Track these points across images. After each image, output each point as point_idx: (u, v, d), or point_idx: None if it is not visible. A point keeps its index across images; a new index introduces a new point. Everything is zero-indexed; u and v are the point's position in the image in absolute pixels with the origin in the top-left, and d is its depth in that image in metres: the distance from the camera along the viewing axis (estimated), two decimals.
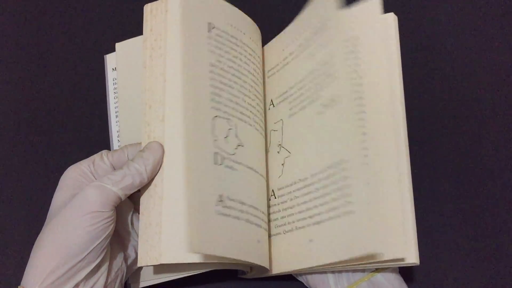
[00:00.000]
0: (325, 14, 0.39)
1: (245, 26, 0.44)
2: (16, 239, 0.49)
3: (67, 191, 0.37)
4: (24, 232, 0.49)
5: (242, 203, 0.38)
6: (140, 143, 0.40)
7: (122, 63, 0.47)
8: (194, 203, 0.34)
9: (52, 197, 0.38)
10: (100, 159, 0.39)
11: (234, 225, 0.37)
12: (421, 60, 0.53)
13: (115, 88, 0.49)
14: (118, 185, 0.36)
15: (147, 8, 0.42)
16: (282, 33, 0.46)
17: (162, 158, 0.38)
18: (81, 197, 0.35)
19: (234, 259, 0.36)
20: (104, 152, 0.40)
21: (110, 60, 0.50)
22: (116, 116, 0.48)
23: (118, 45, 0.47)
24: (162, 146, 0.38)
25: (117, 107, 0.49)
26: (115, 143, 0.48)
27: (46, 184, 0.51)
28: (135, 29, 0.55)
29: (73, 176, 0.38)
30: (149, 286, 0.42)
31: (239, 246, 0.36)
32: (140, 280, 0.42)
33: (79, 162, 0.39)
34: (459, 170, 0.49)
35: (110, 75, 0.50)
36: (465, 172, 0.49)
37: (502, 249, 0.46)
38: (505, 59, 0.53)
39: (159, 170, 0.38)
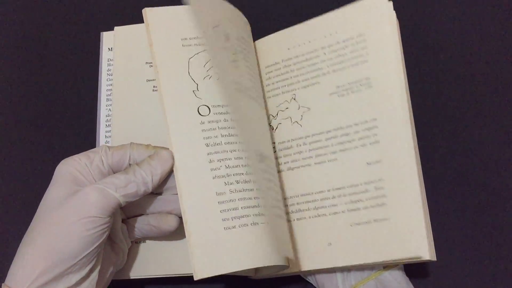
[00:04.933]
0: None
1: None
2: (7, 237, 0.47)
3: (64, 186, 0.34)
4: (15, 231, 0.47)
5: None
6: (144, 145, 0.37)
7: (120, 50, 0.45)
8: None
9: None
10: (100, 158, 0.36)
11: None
12: (421, 60, 0.52)
13: (109, 70, 0.47)
14: (121, 191, 0.34)
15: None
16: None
17: (171, 168, 0.36)
18: (81, 198, 0.33)
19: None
20: (104, 148, 0.37)
21: (107, 38, 0.48)
22: (107, 100, 0.46)
23: (117, 29, 0.45)
24: (172, 156, 0.36)
25: (109, 89, 0.47)
26: (102, 127, 0.46)
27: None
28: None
29: (70, 170, 0.35)
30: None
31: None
32: (131, 275, 0.40)
33: (77, 156, 0.36)
34: (460, 169, 0.49)
35: (105, 55, 0.48)
36: (466, 171, 0.48)
37: (505, 248, 0.46)
38: (506, 59, 0.52)
39: (167, 179, 0.36)
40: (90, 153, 0.36)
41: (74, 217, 0.33)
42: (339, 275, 0.40)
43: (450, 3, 0.55)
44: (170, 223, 0.37)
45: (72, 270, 0.33)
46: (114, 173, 0.36)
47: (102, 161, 0.36)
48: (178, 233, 0.39)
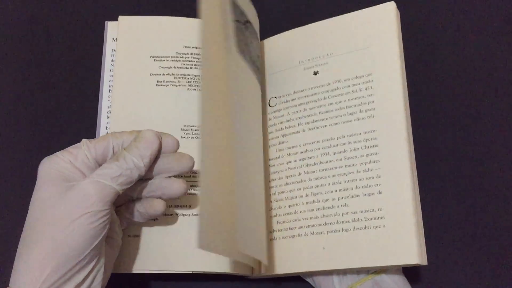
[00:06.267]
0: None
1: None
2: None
3: (53, 184, 0.34)
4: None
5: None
6: (125, 131, 0.37)
7: (123, 41, 0.45)
8: None
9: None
10: (84, 153, 0.36)
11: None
12: (420, 60, 0.52)
13: (112, 61, 0.47)
14: (116, 180, 0.34)
15: None
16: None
17: (159, 149, 0.36)
18: (79, 194, 0.33)
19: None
20: (85, 143, 0.36)
21: (112, 28, 0.48)
22: (110, 91, 0.46)
23: (121, 19, 0.45)
24: (158, 136, 0.36)
25: (111, 80, 0.46)
26: (103, 119, 0.45)
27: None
28: None
29: (56, 168, 0.35)
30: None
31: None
32: (133, 269, 0.40)
33: (59, 153, 0.35)
34: (459, 170, 0.49)
35: (109, 45, 0.47)
36: (465, 171, 0.49)
37: (504, 249, 0.46)
38: (506, 58, 0.52)
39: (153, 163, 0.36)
40: (72, 149, 0.36)
41: (76, 213, 0.32)
42: (335, 276, 0.40)
43: (451, 2, 0.55)
44: (157, 208, 0.37)
45: (81, 266, 0.33)
46: (99, 165, 0.36)
47: (87, 156, 0.36)
48: (181, 229, 0.40)
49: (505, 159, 0.49)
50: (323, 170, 0.40)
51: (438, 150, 0.49)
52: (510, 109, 0.50)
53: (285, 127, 0.43)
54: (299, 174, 0.41)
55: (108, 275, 0.37)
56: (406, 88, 0.41)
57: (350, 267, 0.38)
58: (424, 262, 0.37)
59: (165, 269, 0.40)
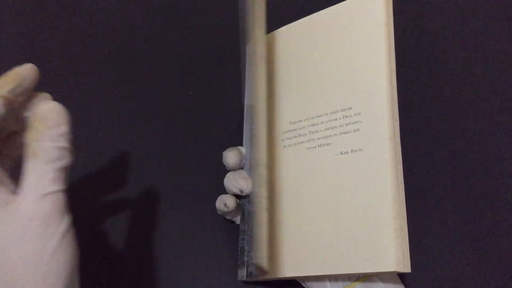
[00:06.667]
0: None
1: None
2: None
3: None
4: None
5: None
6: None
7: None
8: None
9: None
10: None
11: None
12: (417, 58, 0.52)
13: None
14: (59, 181, 0.27)
15: None
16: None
17: (35, 80, 0.28)
18: (36, 220, 0.25)
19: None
20: None
21: None
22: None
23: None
24: (57, 104, 0.28)
25: None
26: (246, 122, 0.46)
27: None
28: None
29: None
30: None
31: None
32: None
33: None
34: (457, 169, 0.48)
35: None
36: (464, 171, 0.48)
37: (502, 249, 0.45)
38: (505, 56, 0.52)
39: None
40: None
41: (49, 246, 0.26)
42: (327, 281, 0.39)
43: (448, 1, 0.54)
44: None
45: None
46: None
47: None
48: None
49: (501, 162, 0.48)
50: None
51: (433, 149, 0.48)
52: (508, 106, 0.50)
53: None
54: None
55: None
56: (395, 84, 0.39)
57: (330, 273, 0.37)
58: (406, 269, 0.35)
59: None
